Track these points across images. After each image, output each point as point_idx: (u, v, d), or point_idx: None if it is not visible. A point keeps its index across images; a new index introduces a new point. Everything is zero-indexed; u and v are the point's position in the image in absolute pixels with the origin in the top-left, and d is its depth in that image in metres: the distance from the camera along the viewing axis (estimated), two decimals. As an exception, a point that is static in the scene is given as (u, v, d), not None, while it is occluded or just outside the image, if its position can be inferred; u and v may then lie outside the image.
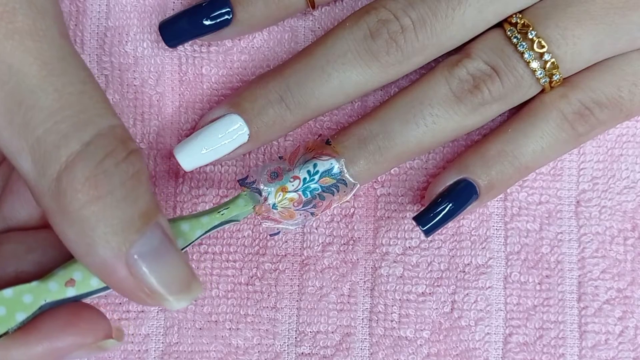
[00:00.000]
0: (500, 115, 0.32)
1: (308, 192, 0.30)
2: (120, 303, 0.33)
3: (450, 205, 0.31)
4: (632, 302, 0.33)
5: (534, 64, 0.30)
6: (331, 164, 0.30)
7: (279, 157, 0.32)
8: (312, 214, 0.31)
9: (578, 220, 0.34)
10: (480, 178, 0.31)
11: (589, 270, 0.33)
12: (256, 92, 0.31)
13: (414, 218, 0.31)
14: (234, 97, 0.31)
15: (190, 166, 0.31)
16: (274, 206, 0.30)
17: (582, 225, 0.34)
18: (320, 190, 0.30)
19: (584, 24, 0.30)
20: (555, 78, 0.30)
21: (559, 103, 0.31)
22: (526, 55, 0.30)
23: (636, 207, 0.34)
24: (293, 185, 0.30)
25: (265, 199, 0.30)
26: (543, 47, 0.30)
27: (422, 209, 0.31)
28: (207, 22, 0.31)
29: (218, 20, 0.31)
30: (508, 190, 0.34)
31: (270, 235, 0.32)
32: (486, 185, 0.31)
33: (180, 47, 0.33)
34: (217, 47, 0.33)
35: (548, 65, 0.30)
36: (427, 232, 0.31)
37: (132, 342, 0.33)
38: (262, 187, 0.30)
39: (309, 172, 0.30)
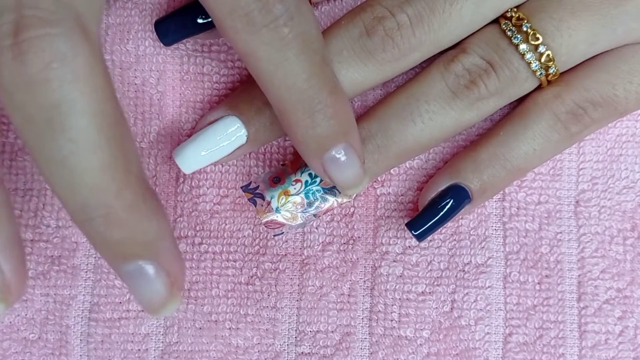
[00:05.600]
0: (500, 110, 0.33)
1: (310, 195, 0.30)
2: (120, 302, 0.33)
3: (443, 211, 0.31)
4: (631, 301, 0.33)
5: (529, 57, 0.30)
6: (332, 166, 0.30)
7: (282, 164, 0.33)
8: (314, 215, 0.31)
9: (577, 220, 0.34)
10: (472, 183, 0.31)
11: (589, 270, 0.33)
12: (253, 93, 0.31)
13: (407, 224, 0.31)
14: (231, 99, 0.31)
15: (189, 169, 0.31)
16: (277, 210, 0.30)
17: (582, 225, 0.34)
18: (322, 192, 0.31)
19: (578, 15, 0.30)
20: (551, 71, 0.30)
21: (552, 103, 0.31)
22: (521, 48, 0.30)
23: (635, 207, 0.34)
24: (295, 189, 0.30)
25: (269, 203, 0.30)
26: (538, 39, 0.30)
27: (414, 215, 0.31)
28: (202, 20, 0.31)
29: None
30: (506, 191, 0.34)
31: (274, 235, 0.32)
32: (478, 190, 0.31)
33: (181, 46, 0.33)
34: (219, 46, 0.33)
35: (543, 57, 0.30)
36: (419, 237, 0.31)
37: (132, 342, 0.33)
38: (264, 192, 0.31)
39: (310, 175, 0.31)
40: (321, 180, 0.31)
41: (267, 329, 0.33)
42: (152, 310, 0.26)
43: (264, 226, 0.33)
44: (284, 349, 0.33)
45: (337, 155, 0.28)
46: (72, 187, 0.23)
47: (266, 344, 0.33)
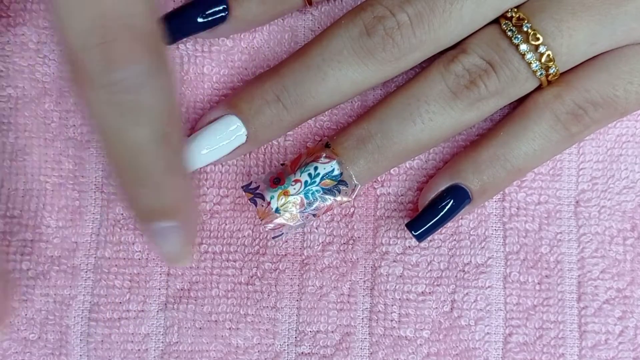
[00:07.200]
0: (500, 110, 0.33)
1: (310, 195, 0.30)
2: (120, 302, 0.33)
3: (443, 211, 0.31)
4: (631, 302, 0.33)
5: (530, 57, 0.30)
6: (331, 166, 0.30)
7: (281, 164, 0.32)
8: (314, 215, 0.31)
9: (577, 220, 0.34)
10: (472, 183, 0.31)
11: (589, 270, 0.33)
12: (253, 93, 0.31)
13: (407, 225, 0.31)
14: (231, 98, 0.31)
15: (189, 169, 0.31)
16: (277, 210, 0.30)
17: (582, 225, 0.34)
18: (321, 192, 0.31)
19: (579, 15, 0.30)
20: (551, 71, 0.30)
21: (552, 104, 0.31)
22: (521, 48, 0.30)
23: (635, 207, 0.34)
24: (295, 189, 0.30)
25: (268, 204, 0.30)
26: (538, 39, 0.30)
27: (414, 216, 0.31)
28: (202, 19, 0.31)
29: (214, 17, 0.31)
30: (506, 191, 0.34)
31: (274, 237, 0.32)
32: (478, 190, 0.31)
33: (181, 46, 0.33)
34: (219, 46, 0.33)
35: (544, 57, 0.30)
36: (419, 238, 0.31)
37: (132, 342, 0.33)
38: (264, 192, 0.31)
39: (309, 175, 0.31)
40: (321, 180, 0.31)
41: (267, 329, 0.33)
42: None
43: (264, 228, 0.33)
44: (284, 349, 0.33)
45: (162, 231, 0.26)
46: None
47: (266, 344, 0.33)
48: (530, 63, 0.30)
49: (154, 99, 0.24)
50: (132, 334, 0.33)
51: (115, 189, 0.26)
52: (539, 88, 0.31)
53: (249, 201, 0.33)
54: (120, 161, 0.25)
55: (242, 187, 0.31)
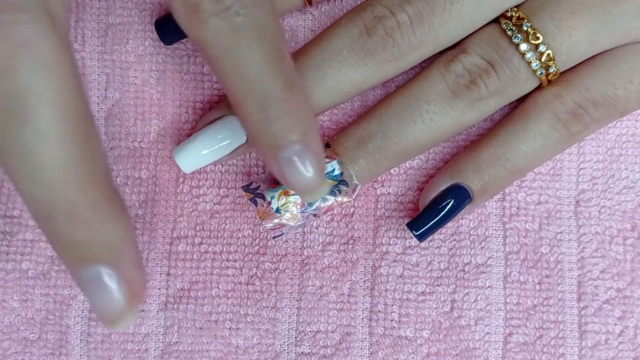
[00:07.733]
0: (500, 110, 0.33)
1: None
2: (120, 302, 0.33)
3: (443, 211, 0.31)
4: (631, 301, 0.33)
5: (530, 56, 0.30)
6: (332, 166, 0.30)
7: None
8: (314, 215, 0.31)
9: (577, 220, 0.34)
10: (472, 183, 0.31)
11: (589, 270, 0.33)
12: None
13: (408, 225, 0.31)
14: None
15: (189, 168, 0.31)
16: (277, 210, 0.30)
17: (582, 225, 0.34)
18: None
19: (579, 14, 0.30)
20: (551, 70, 0.30)
21: (552, 103, 0.31)
22: (521, 47, 0.30)
23: (635, 207, 0.34)
24: None
25: (269, 204, 0.30)
26: (538, 38, 0.30)
27: (415, 216, 0.31)
28: None
29: None
30: (506, 191, 0.34)
31: (274, 237, 0.32)
32: (479, 190, 0.31)
33: (181, 46, 0.33)
34: (218, 46, 0.33)
35: (544, 57, 0.30)
36: (421, 238, 0.31)
37: (132, 341, 0.33)
38: (265, 192, 0.31)
39: None
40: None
41: (267, 329, 0.33)
42: (108, 321, 0.23)
43: (264, 228, 0.33)
44: (284, 349, 0.33)
45: (293, 156, 0.25)
46: (34, 181, 0.22)
47: (266, 344, 0.33)
48: (530, 62, 0.30)
49: (263, 15, 0.24)
50: (132, 333, 0.33)
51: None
52: (539, 87, 0.31)
53: (249, 201, 0.33)
54: (241, 87, 0.24)
55: (243, 187, 0.31)
